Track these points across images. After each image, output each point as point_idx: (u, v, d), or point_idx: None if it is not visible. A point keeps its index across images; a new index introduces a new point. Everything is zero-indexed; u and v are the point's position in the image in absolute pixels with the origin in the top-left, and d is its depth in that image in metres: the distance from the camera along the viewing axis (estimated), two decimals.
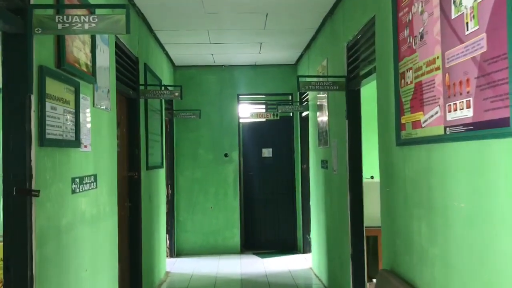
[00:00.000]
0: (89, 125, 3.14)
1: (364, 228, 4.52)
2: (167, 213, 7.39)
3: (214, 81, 7.87)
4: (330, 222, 5.37)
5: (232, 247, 7.79)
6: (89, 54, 3.12)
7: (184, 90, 7.63)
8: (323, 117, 5.54)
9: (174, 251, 7.62)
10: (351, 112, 4.40)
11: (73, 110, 2.81)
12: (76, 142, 2.84)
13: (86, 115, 3.09)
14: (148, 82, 5.22)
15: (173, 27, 5.52)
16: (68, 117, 2.72)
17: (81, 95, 2.96)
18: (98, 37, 3.37)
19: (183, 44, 6.29)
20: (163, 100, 6.37)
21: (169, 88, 5.49)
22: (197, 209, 7.80)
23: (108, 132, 3.64)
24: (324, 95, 5.41)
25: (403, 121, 2.91)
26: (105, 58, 3.58)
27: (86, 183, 3.07)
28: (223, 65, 7.78)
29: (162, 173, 6.32)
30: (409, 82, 2.79)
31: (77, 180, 2.89)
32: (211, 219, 7.81)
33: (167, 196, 7.46)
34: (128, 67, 4.52)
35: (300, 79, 4.41)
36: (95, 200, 3.25)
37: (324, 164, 5.56)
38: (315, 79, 4.63)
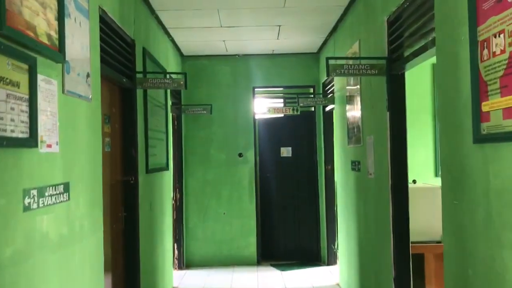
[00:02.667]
0: (55, 118, 2.35)
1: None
2: (175, 220, 6.63)
3: (226, 73, 7.07)
4: (363, 234, 4.53)
5: (248, 257, 6.99)
6: (54, 23, 2.33)
7: (193, 83, 6.88)
8: (354, 110, 4.70)
9: (183, 262, 6.84)
10: (393, 102, 3.56)
11: (27, 96, 2.03)
12: (31, 141, 2.05)
13: (51, 104, 2.31)
14: (148, 71, 4.44)
15: (178, 6, 4.73)
16: (17, 105, 1.94)
17: (40, 77, 2.17)
18: (71, 4, 2.60)
19: (191, 28, 5.49)
20: (168, 93, 5.60)
21: (172, 76, 4.71)
22: (208, 215, 7.01)
23: (88, 128, 2.86)
24: (356, 87, 4.57)
25: (485, 108, 2.06)
26: (83, 33, 2.80)
27: (51, 195, 2.28)
28: (236, 55, 6.97)
29: (167, 175, 5.54)
30: (498, 52, 1.95)
31: (34, 192, 2.11)
32: (224, 226, 7.01)
33: (175, 201, 6.69)
34: (120, 49, 3.74)
35: (330, 61, 3.57)
36: (65, 216, 2.47)
37: (355, 165, 4.72)
38: (349, 62, 3.82)
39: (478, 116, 2.11)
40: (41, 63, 2.18)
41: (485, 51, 2.05)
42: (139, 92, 4.22)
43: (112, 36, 3.50)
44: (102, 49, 3.22)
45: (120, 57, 3.74)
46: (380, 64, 3.60)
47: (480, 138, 2.11)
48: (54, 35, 2.32)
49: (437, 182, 5.12)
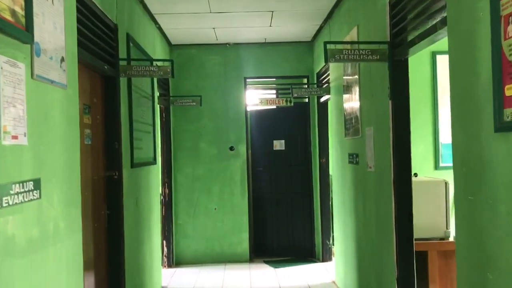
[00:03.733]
0: (22, 106, 2.07)
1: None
2: (163, 216, 6.37)
3: (217, 63, 6.79)
4: (362, 230, 4.30)
5: (240, 254, 6.75)
6: None
7: (182, 73, 6.62)
8: (352, 100, 4.45)
9: (173, 260, 6.58)
10: (396, 90, 3.32)
11: None
12: None
13: (17, 90, 2.03)
14: (132, 58, 4.16)
15: None
16: None
17: (2, 58, 1.90)
18: None
19: (178, 14, 5.20)
20: (155, 83, 5.31)
21: (158, 64, 4.41)
22: (199, 211, 6.75)
23: (64, 118, 2.58)
24: (354, 76, 4.33)
25: (509, 92, 1.82)
26: (57, 12, 2.51)
27: (18, 194, 2.01)
28: (227, 43, 6.69)
29: (155, 170, 5.27)
30: None
31: None
32: (216, 222, 6.76)
33: (164, 197, 6.43)
34: (101, 34, 3.46)
35: (328, 46, 3.32)
36: (36, 216, 2.19)
37: (353, 158, 4.48)
38: (348, 47, 3.57)
39: (501, 102, 1.87)
40: (4, 43, 1.90)
41: (510, 27, 1.81)
42: (123, 81, 3.95)
43: (92, 18, 3.22)
44: (80, 32, 2.94)
45: (101, 42, 3.45)
46: (382, 49, 3.35)
47: (503, 126, 1.87)
48: (20, 11, 2.04)
49: (438, 175, 4.91)
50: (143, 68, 3.83)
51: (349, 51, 3.34)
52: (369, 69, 3.86)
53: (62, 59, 2.57)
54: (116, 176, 3.75)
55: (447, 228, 3.80)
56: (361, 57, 3.35)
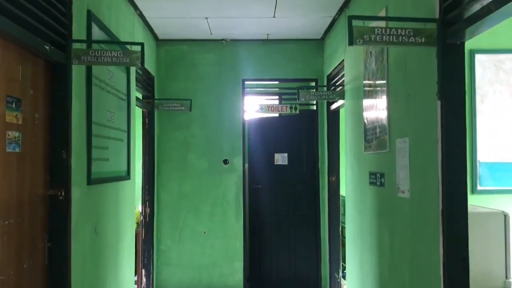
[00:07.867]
0: None
1: None
2: (143, 240, 5.41)
3: (211, 62, 5.86)
4: (388, 273, 3.32)
5: (233, 287, 5.75)
6: None
7: (170, 73, 5.74)
8: (376, 105, 3.50)
9: None
10: (449, 85, 2.37)
11: None
12: None
13: None
14: (94, 40, 3.22)
15: None
16: None
17: None
18: None
19: None
20: (132, 80, 4.37)
21: (126, 48, 3.46)
22: (185, 234, 5.77)
23: None
24: (381, 74, 3.40)
25: None
26: None
27: None
28: (223, 40, 5.77)
29: (128, 186, 4.30)
30: None
31: None
32: (204, 249, 5.77)
33: (144, 217, 5.45)
34: (42, 1, 2.53)
35: (355, 23, 2.37)
36: None
37: (376, 178, 3.52)
38: (383, 24, 2.63)
39: None
40: None
41: None
42: (79, 70, 3.00)
43: None
44: None
45: (41, 13, 2.52)
46: (429, 29, 2.40)
47: None
48: None
49: (476, 200, 3.96)
50: (103, 53, 2.87)
51: (383, 30, 2.40)
52: (404, 61, 2.92)
53: None
54: (61, 197, 2.79)
55: (507, 277, 2.82)
56: (400, 39, 2.40)
